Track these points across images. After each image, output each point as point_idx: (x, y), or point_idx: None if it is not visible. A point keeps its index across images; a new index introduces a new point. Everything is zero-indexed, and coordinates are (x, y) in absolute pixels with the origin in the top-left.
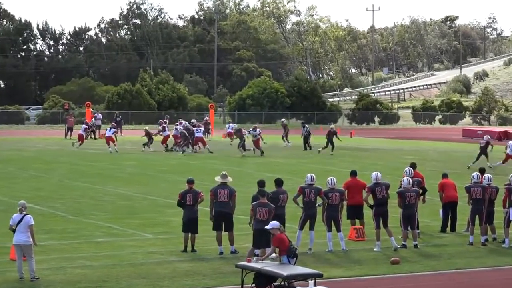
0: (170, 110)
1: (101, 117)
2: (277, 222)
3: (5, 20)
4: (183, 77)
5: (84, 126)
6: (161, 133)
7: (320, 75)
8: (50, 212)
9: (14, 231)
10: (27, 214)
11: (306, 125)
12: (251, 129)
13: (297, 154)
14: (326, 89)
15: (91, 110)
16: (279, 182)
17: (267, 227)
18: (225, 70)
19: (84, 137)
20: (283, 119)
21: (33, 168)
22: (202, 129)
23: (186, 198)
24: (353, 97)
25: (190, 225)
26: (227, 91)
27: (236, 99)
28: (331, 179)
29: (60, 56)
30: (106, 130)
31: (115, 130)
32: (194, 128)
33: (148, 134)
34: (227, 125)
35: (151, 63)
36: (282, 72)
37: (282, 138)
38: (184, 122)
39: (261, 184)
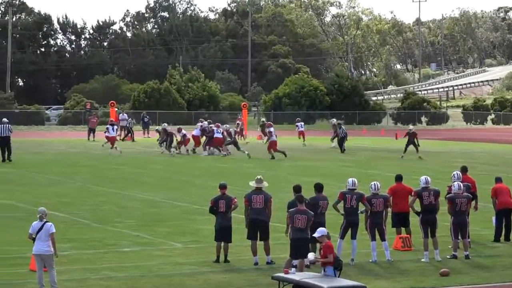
0: (201, 109)
1: (127, 117)
2: (325, 229)
3: (23, 14)
4: (214, 74)
5: (113, 127)
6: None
7: (362, 72)
8: (72, 220)
9: (34, 240)
10: (47, 221)
11: (342, 126)
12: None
13: (337, 157)
14: (368, 86)
15: (116, 109)
16: (318, 187)
17: (315, 235)
18: (260, 67)
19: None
20: (333, 119)
21: (53, 172)
22: (221, 130)
23: (219, 205)
24: (398, 95)
25: (223, 234)
26: (262, 89)
27: (272, 98)
28: (374, 184)
29: (82, 52)
30: (108, 129)
31: (117, 128)
32: (214, 128)
33: (169, 134)
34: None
35: (180, 59)
36: (321, 69)
37: (332, 139)
38: (204, 122)
39: (297, 189)
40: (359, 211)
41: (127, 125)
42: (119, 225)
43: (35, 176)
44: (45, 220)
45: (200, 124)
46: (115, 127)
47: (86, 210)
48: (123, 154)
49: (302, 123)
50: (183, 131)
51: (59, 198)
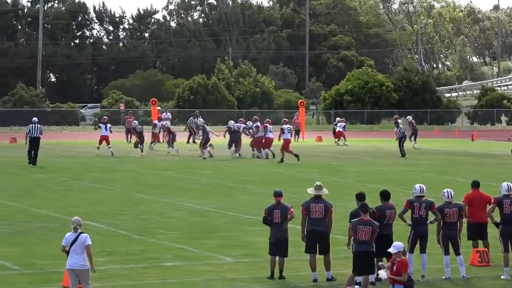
0: (253, 107)
1: (170, 117)
2: (402, 244)
3: (55, 2)
4: (268, 68)
5: (105, 125)
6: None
7: (434, 65)
8: (110, 231)
9: (67, 253)
10: (82, 232)
11: (400, 124)
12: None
13: (407, 161)
14: (441, 82)
15: (158, 108)
16: (385, 195)
17: (390, 250)
18: (319, 60)
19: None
20: (409, 116)
21: (89, 177)
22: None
23: (274, 215)
24: (475, 91)
25: (278, 247)
26: (321, 85)
27: (332, 95)
28: (447, 191)
29: (121, 44)
30: (101, 127)
31: (110, 126)
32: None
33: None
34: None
35: (229, 52)
36: (388, 62)
37: (409, 138)
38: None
39: (360, 197)
40: (428, 221)
41: (164, 125)
42: (162, 237)
43: (68, 182)
44: (79, 231)
45: (241, 125)
46: (108, 125)
47: (125, 220)
48: (169, 158)
49: (343, 124)
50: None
51: (95, 207)
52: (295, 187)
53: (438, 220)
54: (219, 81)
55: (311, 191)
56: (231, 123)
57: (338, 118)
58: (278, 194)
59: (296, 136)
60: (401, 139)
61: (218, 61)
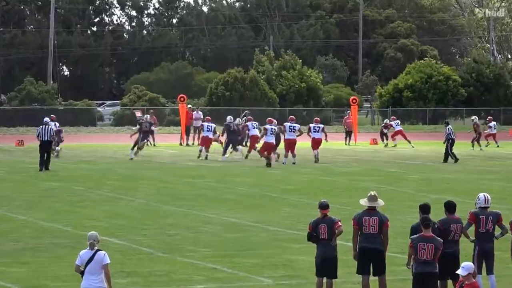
0: (298, 105)
1: (202, 116)
2: (472, 265)
3: None
4: (315, 60)
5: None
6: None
7: (509, 56)
8: (131, 248)
9: (82, 273)
10: (100, 250)
11: (449, 125)
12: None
13: (475, 167)
14: None
15: (189, 106)
16: (450, 207)
17: (459, 272)
18: (374, 50)
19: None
20: (473, 117)
21: (108, 186)
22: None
23: (319, 230)
24: None
25: (326, 267)
26: (377, 79)
27: (390, 91)
28: None
29: (145, 32)
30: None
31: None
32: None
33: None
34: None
35: (270, 41)
36: (455, 52)
37: (472, 142)
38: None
39: (424, 209)
40: (495, 236)
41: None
42: (192, 254)
43: (84, 191)
44: (96, 248)
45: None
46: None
47: (149, 236)
48: (201, 164)
49: (398, 121)
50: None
51: (115, 220)
52: (345, 198)
53: (504, 234)
54: (259, 75)
55: (364, 202)
56: (230, 119)
57: (386, 121)
58: (324, 206)
59: (348, 138)
60: (449, 143)
61: (257, 52)
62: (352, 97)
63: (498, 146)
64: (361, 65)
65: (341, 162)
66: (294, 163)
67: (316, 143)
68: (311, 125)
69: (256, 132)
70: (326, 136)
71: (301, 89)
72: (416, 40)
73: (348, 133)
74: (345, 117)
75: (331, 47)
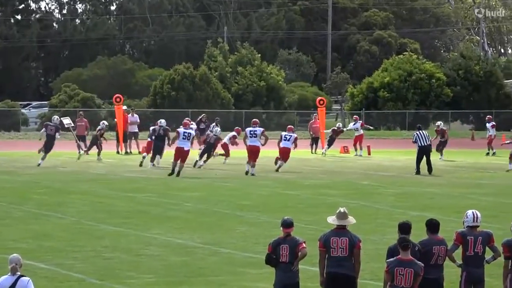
0: (256, 107)
1: (138, 120)
2: None
3: None
4: (276, 54)
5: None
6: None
7: (502, 50)
8: (60, 273)
9: None
10: (23, 276)
11: (422, 130)
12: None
13: (462, 180)
14: (511, 73)
15: (124, 107)
16: (433, 226)
17: None
18: (345, 43)
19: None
20: (439, 122)
21: (33, 201)
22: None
23: (280, 251)
24: None
25: None
26: (348, 77)
27: (363, 90)
28: None
29: (78, 21)
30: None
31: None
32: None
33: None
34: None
35: (224, 32)
36: (439, 46)
37: (438, 150)
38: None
39: (404, 229)
40: (485, 260)
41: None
42: (131, 282)
43: (5, 208)
44: (19, 273)
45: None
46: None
47: (81, 259)
48: (142, 174)
49: (360, 123)
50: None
51: (41, 241)
52: (310, 215)
53: (496, 258)
54: (210, 72)
55: (332, 220)
56: (160, 123)
57: (356, 116)
58: (287, 224)
59: (314, 145)
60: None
61: (208, 45)
62: (319, 98)
63: (494, 153)
64: (330, 60)
65: (306, 174)
66: (253, 174)
67: (283, 153)
68: (283, 133)
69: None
70: (295, 146)
71: (260, 88)
72: (394, 31)
73: (315, 140)
74: (311, 121)
75: (295, 39)
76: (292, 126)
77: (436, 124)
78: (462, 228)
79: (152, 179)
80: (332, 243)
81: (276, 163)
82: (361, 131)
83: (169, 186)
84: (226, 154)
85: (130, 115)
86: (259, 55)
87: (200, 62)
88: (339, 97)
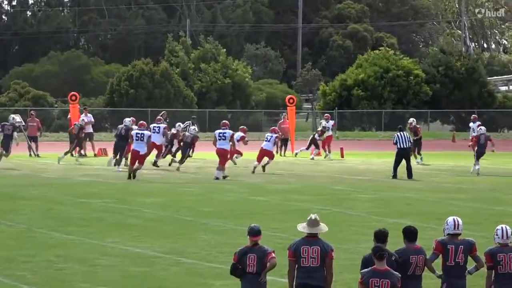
0: (220, 106)
1: (92, 120)
2: None
3: None
4: (243, 49)
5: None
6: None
7: (485, 45)
8: (9, 285)
9: None
10: None
11: (403, 131)
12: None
13: (442, 184)
14: (494, 69)
15: (80, 106)
16: (410, 234)
17: None
18: (317, 38)
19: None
20: (411, 119)
21: None
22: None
23: (247, 261)
24: None
25: None
26: (320, 74)
27: (336, 88)
28: (502, 228)
29: (29, 14)
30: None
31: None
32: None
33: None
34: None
35: (187, 25)
36: (417, 41)
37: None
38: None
39: (380, 237)
40: (467, 271)
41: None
42: None
43: None
44: None
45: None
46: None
47: (32, 270)
48: (98, 179)
49: (332, 123)
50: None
51: None
52: (279, 223)
53: (479, 268)
54: (172, 68)
55: (302, 228)
56: (126, 122)
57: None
58: (255, 232)
59: (283, 147)
60: (396, 153)
61: (170, 39)
62: (289, 96)
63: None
64: (301, 56)
65: (274, 178)
66: (217, 178)
67: (263, 155)
68: (267, 134)
69: (156, 138)
70: (277, 148)
71: (225, 86)
72: (369, 25)
73: (284, 141)
74: (280, 121)
75: (263, 33)
76: (276, 128)
77: (409, 121)
78: (442, 236)
79: (109, 184)
80: (302, 252)
81: (260, 166)
82: (331, 132)
83: (127, 191)
84: (239, 153)
85: (83, 115)
86: (224, 50)
87: (161, 58)
88: (310, 95)
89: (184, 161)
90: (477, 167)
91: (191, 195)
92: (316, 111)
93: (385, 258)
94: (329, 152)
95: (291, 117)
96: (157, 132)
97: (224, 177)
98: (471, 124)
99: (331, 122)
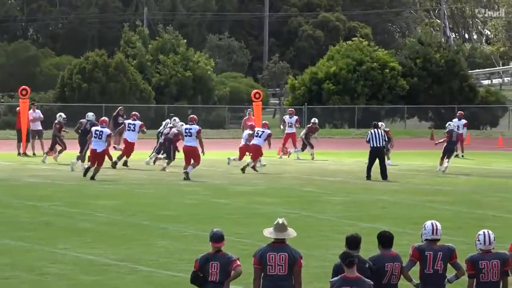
0: (181, 101)
1: (41, 116)
2: None
3: None
4: (205, 40)
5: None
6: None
7: (466, 36)
8: None
9: None
10: None
11: (381, 129)
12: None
13: (419, 186)
14: (476, 62)
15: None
16: (385, 240)
17: None
18: (285, 27)
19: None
20: (380, 123)
21: None
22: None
23: (209, 269)
24: None
25: None
26: (288, 67)
27: (306, 82)
28: (484, 233)
29: None
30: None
31: None
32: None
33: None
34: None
35: (144, 14)
36: (393, 31)
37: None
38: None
39: (352, 242)
40: (446, 279)
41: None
42: None
43: None
44: None
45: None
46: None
47: None
48: (46, 180)
49: (295, 118)
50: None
51: None
52: (244, 227)
53: (459, 277)
54: (128, 60)
55: (269, 233)
56: (89, 117)
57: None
58: (217, 238)
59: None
60: (370, 153)
61: (125, 28)
62: (255, 91)
63: (462, 156)
64: (267, 47)
65: (239, 179)
66: (186, 177)
67: (253, 151)
68: (257, 128)
69: (131, 135)
70: (270, 144)
71: (185, 79)
72: (341, 13)
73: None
74: (245, 118)
75: (226, 22)
76: (268, 122)
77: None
78: (419, 242)
79: (60, 185)
80: (269, 259)
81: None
82: (294, 129)
83: (80, 193)
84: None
85: (31, 110)
86: (185, 41)
87: (116, 49)
88: (277, 90)
89: (170, 163)
90: (445, 164)
91: (148, 197)
92: (284, 107)
93: (355, 265)
94: (295, 147)
95: (257, 113)
96: (132, 130)
97: (185, 177)
98: (454, 121)
99: (295, 118)
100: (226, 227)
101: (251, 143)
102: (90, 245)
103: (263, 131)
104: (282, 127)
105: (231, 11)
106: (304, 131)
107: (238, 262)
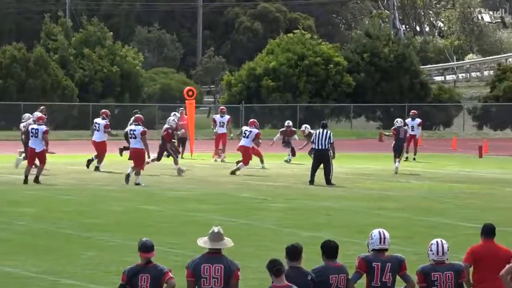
0: (107, 99)
1: None
2: None
3: None
4: (133, 32)
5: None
6: None
7: (418, 29)
8: None
9: None
10: None
11: (327, 129)
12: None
13: (366, 191)
14: (429, 57)
15: None
16: (330, 250)
17: None
18: (221, 19)
19: None
20: (304, 126)
21: None
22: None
23: (139, 282)
24: (486, 73)
25: None
26: (224, 62)
27: (243, 78)
28: (437, 243)
29: None
30: None
31: None
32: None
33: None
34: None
35: (66, 4)
36: (338, 22)
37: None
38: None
39: (293, 253)
40: None
41: None
42: None
43: None
44: None
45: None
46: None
47: None
48: None
49: (227, 118)
50: None
51: None
52: (176, 236)
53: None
54: (48, 54)
55: (203, 242)
56: (28, 117)
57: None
58: (146, 248)
59: (181, 147)
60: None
61: (46, 20)
62: (188, 88)
63: (414, 159)
64: (201, 40)
65: (170, 184)
66: (137, 183)
67: (242, 153)
68: (244, 127)
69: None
70: (257, 145)
71: (112, 75)
72: (282, 4)
73: (181, 141)
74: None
75: (156, 13)
76: (255, 120)
77: (301, 128)
78: (366, 252)
79: None
80: (203, 271)
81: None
82: (225, 129)
83: (5, 200)
84: (259, 155)
85: None
86: (111, 33)
87: (36, 42)
88: (212, 86)
89: (159, 159)
90: (396, 164)
91: (72, 204)
92: (219, 105)
93: (283, 273)
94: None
95: (190, 112)
96: (97, 130)
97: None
98: (408, 121)
99: (227, 117)
100: (157, 236)
101: (239, 144)
102: (7, 257)
103: (251, 131)
104: (212, 127)
105: (161, 0)
106: (278, 136)
107: (171, 275)
